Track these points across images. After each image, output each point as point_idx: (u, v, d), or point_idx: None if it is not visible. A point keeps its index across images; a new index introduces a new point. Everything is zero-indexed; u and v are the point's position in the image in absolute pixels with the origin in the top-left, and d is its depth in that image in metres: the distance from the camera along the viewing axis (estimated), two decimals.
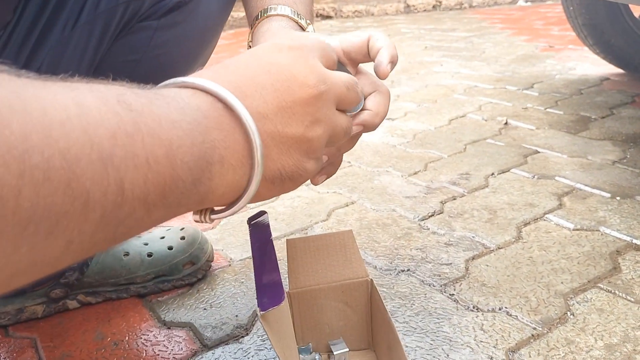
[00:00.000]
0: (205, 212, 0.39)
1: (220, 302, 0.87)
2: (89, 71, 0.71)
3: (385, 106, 0.57)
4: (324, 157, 0.53)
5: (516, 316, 0.80)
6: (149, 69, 0.74)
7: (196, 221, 0.40)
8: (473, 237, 1.01)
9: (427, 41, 2.91)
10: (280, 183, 0.39)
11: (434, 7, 4.14)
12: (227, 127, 0.35)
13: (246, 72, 0.38)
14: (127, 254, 0.86)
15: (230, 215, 0.39)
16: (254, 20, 0.64)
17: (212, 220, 0.39)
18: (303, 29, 0.62)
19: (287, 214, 1.15)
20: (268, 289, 0.52)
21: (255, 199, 0.38)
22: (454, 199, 1.16)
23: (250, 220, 0.60)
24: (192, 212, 0.38)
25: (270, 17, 0.63)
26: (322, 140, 0.40)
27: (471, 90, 1.95)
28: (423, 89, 2.01)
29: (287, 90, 0.38)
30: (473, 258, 0.95)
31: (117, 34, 0.71)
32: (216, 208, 0.39)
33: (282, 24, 0.61)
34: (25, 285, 0.77)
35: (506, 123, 1.59)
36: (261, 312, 0.50)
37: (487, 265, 0.93)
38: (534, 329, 0.77)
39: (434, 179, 1.26)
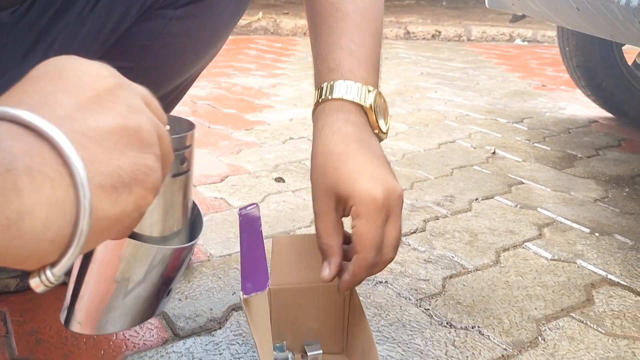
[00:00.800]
0: (43, 270, 0.30)
1: (196, 295, 0.87)
2: (101, 50, 0.71)
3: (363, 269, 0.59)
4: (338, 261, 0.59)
5: (488, 336, 0.81)
6: (157, 56, 0.75)
7: (38, 290, 0.32)
8: (452, 256, 1.02)
9: (424, 67, 2.95)
10: (126, 189, 0.31)
11: (433, 36, 4.21)
12: (25, 139, 0.28)
13: (34, 87, 0.32)
14: None
15: (79, 254, 0.30)
16: (316, 92, 0.66)
17: (57, 279, 0.31)
18: (371, 123, 0.64)
19: (271, 216, 1.15)
20: (253, 275, 0.52)
21: (105, 221, 0.31)
22: (437, 219, 1.17)
23: (241, 209, 0.61)
24: (35, 278, 0.31)
25: (328, 102, 0.63)
26: (150, 129, 0.33)
27: (463, 118, 1.98)
28: (416, 112, 2.04)
29: (82, 86, 0.32)
30: (450, 277, 0.96)
31: (134, 19, 0.71)
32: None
33: (342, 118, 0.62)
34: None
35: (494, 152, 1.61)
36: (244, 296, 0.50)
37: (464, 285, 0.93)
38: (505, 349, 0.78)
39: (419, 198, 1.28)
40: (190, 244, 0.46)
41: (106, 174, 0.30)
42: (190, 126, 0.46)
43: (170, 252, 0.44)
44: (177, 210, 0.45)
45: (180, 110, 1.88)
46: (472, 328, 0.82)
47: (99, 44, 0.71)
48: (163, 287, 0.46)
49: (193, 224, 0.48)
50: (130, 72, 0.75)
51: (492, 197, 1.30)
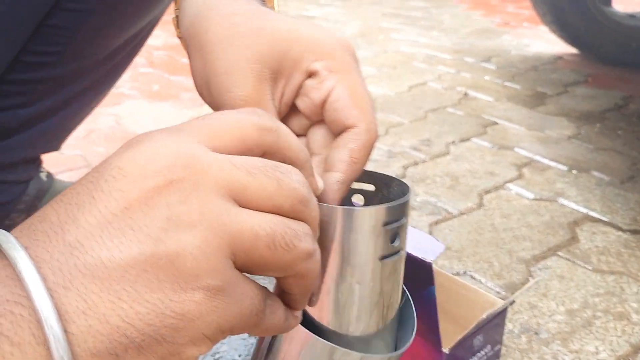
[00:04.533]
0: None
1: None
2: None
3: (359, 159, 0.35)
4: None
5: (480, 280, 0.80)
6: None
7: None
8: (436, 202, 1.01)
9: (385, 8, 2.88)
10: (135, 351, 0.22)
11: None
12: (10, 283, 0.22)
13: (70, 193, 0.24)
14: None
15: None
16: None
17: None
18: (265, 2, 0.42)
19: None
20: None
21: None
22: (416, 164, 1.15)
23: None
24: None
25: None
26: (202, 253, 0.23)
27: (430, 59, 1.94)
28: (382, 54, 1.99)
29: (115, 191, 0.23)
30: (436, 222, 0.94)
31: None
32: None
33: None
34: None
35: (466, 94, 1.59)
36: None
37: (451, 230, 0.92)
38: (498, 293, 0.78)
39: (395, 143, 1.25)
40: (399, 351, 0.34)
41: (105, 334, 0.21)
42: (403, 188, 0.34)
43: None
44: (384, 304, 0.33)
45: (137, 61, 1.79)
46: (464, 274, 0.81)
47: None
48: None
49: (400, 316, 0.36)
50: (89, 17, 0.69)
51: (469, 139, 1.28)
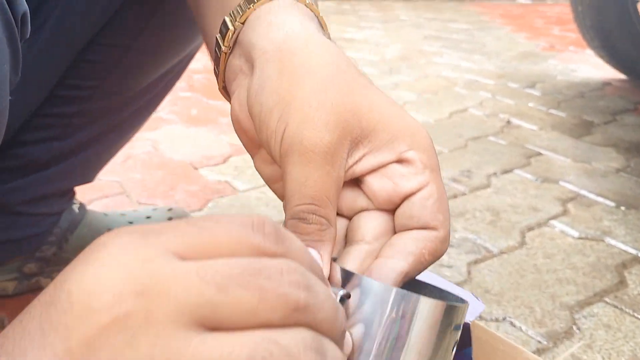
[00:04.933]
0: None
1: None
2: (97, 26, 0.64)
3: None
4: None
5: (520, 327, 0.76)
6: (154, 33, 0.68)
7: None
8: (475, 239, 0.97)
9: (427, 30, 2.85)
10: None
11: None
12: None
13: (21, 326, 0.21)
14: (109, 231, 0.80)
15: None
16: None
17: None
18: (322, 26, 0.38)
19: (279, 201, 1.09)
20: None
21: None
22: (455, 197, 1.11)
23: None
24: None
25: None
26: None
27: (472, 84, 1.90)
28: (423, 79, 1.96)
29: (57, 327, 0.20)
30: (475, 262, 0.90)
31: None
32: None
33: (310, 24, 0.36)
34: None
35: (508, 121, 1.54)
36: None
37: (490, 271, 0.88)
38: (539, 342, 0.73)
39: None
40: None
41: None
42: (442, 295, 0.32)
43: None
44: None
45: (177, 85, 1.80)
46: (504, 320, 0.77)
47: (92, 22, 0.64)
48: None
49: None
50: (126, 53, 0.69)
51: (511, 171, 1.23)
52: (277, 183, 0.37)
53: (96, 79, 0.68)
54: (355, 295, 0.28)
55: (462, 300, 0.31)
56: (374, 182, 0.34)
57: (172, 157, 1.26)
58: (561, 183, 1.18)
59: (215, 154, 1.28)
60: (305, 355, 0.21)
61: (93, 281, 0.20)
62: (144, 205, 1.05)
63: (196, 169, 1.21)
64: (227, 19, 0.37)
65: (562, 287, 0.85)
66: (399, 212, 0.33)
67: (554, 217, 1.04)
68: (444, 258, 0.91)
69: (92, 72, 0.67)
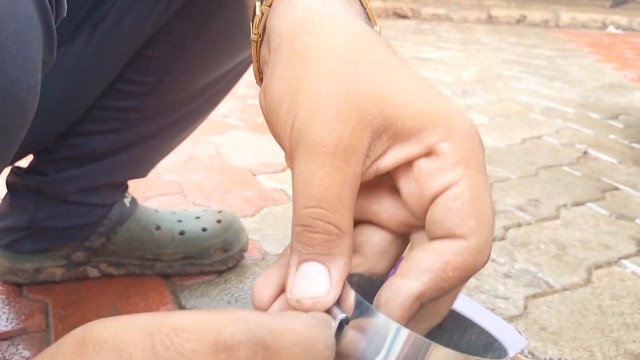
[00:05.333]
0: None
1: (247, 298, 0.80)
2: (157, 25, 0.65)
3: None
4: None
5: None
6: (213, 34, 0.68)
7: None
8: (536, 272, 0.90)
9: (508, 54, 2.76)
10: None
11: (517, 21, 3.97)
12: None
13: None
14: (158, 227, 0.80)
15: None
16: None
17: None
18: (370, 19, 0.34)
19: None
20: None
21: None
22: (519, 226, 1.05)
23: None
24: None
25: None
26: None
27: (550, 111, 1.81)
28: (497, 102, 1.89)
29: None
30: (534, 296, 0.84)
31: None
32: None
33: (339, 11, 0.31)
34: (47, 243, 0.70)
35: (585, 152, 1.45)
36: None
37: (550, 307, 0.82)
38: None
39: (499, 200, 1.15)
40: None
41: None
42: (488, 342, 0.27)
43: None
44: None
45: (247, 93, 1.83)
46: None
47: (154, 19, 0.64)
48: None
49: None
50: (185, 51, 0.69)
51: (584, 204, 1.15)
52: None
53: (155, 75, 0.68)
54: (360, 326, 0.24)
55: (503, 353, 0.26)
56: (402, 184, 0.29)
57: (232, 162, 1.27)
58: (637, 221, 1.09)
59: (275, 162, 1.28)
60: None
61: None
62: (198, 206, 1.05)
63: (254, 175, 1.20)
64: (257, 4, 0.34)
65: (629, 332, 0.77)
66: (427, 218, 0.28)
67: (626, 257, 0.96)
68: (500, 289, 0.85)
69: (151, 68, 0.68)
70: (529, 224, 1.06)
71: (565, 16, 3.98)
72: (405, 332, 0.23)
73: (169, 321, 0.20)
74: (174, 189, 1.13)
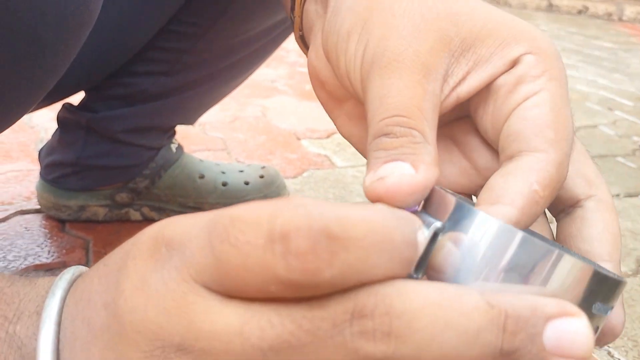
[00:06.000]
0: None
1: None
2: (175, 7, 0.64)
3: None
4: None
5: (619, 359, 0.67)
6: (231, 20, 0.67)
7: None
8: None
9: (566, 43, 2.67)
10: None
11: (579, 11, 3.83)
12: None
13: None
14: (202, 176, 0.80)
15: None
16: None
17: None
18: None
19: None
20: None
21: None
22: None
23: None
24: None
25: None
26: None
27: (607, 102, 1.74)
28: None
29: (116, 351, 0.19)
30: None
31: None
32: None
33: None
34: (92, 181, 0.71)
35: None
36: None
37: None
38: None
39: None
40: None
41: None
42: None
43: None
44: None
45: (296, 60, 1.81)
46: (601, 348, 0.68)
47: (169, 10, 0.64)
48: None
49: None
50: (201, 39, 0.68)
51: (637, 196, 1.11)
52: (365, 144, 0.28)
53: (209, 19, 0.68)
54: (460, 235, 0.20)
55: (618, 277, 0.22)
56: (479, 112, 0.26)
57: (277, 125, 1.26)
58: None
59: (320, 129, 1.26)
60: None
61: (140, 319, 0.18)
62: (239, 161, 1.05)
63: (299, 139, 1.19)
64: None
65: None
66: (501, 136, 0.25)
67: None
68: None
69: (206, 11, 0.67)
70: None
71: (630, 10, 3.82)
72: (520, 235, 0.19)
73: (229, 212, 0.18)
74: (218, 145, 1.13)
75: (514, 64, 0.25)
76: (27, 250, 0.73)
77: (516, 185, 0.23)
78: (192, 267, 0.18)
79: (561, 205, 0.27)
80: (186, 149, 1.03)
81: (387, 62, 0.25)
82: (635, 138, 1.44)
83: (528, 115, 0.24)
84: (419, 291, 0.17)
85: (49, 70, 0.37)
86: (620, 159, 1.29)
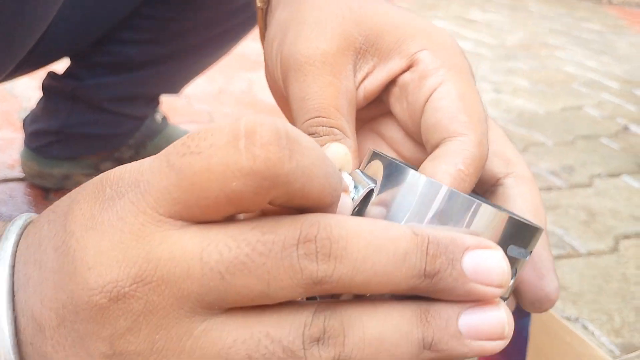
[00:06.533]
0: None
1: None
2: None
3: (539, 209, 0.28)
4: None
5: (593, 332, 0.69)
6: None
7: None
8: (563, 235, 0.89)
9: (555, 24, 2.67)
10: None
11: None
12: None
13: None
14: None
15: None
16: None
17: None
18: None
19: None
20: None
21: None
22: (550, 190, 1.03)
23: None
24: None
25: None
26: None
27: (593, 83, 1.76)
28: (541, 69, 1.84)
29: (67, 291, 0.19)
30: (559, 257, 0.83)
31: None
32: None
33: None
34: (76, 150, 0.71)
35: (626, 127, 1.41)
36: None
37: (572, 270, 0.80)
38: (611, 352, 0.66)
39: (533, 163, 1.13)
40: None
41: None
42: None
43: None
44: None
45: None
46: (576, 320, 0.70)
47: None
48: None
49: None
50: (187, 8, 0.67)
51: (619, 176, 1.12)
52: None
53: None
54: (391, 190, 0.22)
55: (532, 224, 0.23)
56: (395, 109, 0.29)
57: (263, 99, 1.26)
58: None
59: None
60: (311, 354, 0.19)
61: (93, 254, 0.18)
62: None
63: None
64: None
65: None
66: (421, 129, 0.27)
67: None
68: None
69: None
70: (560, 188, 1.04)
71: None
72: (445, 188, 0.22)
73: (182, 137, 0.18)
74: (204, 117, 1.12)
75: (411, 61, 0.28)
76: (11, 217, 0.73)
77: (443, 167, 0.25)
78: (151, 195, 0.18)
79: (485, 186, 0.29)
80: (172, 122, 1.03)
81: (300, 65, 0.28)
82: (620, 120, 1.46)
83: (438, 106, 0.26)
84: (355, 221, 0.19)
85: (28, 26, 0.37)
86: (604, 139, 1.31)
